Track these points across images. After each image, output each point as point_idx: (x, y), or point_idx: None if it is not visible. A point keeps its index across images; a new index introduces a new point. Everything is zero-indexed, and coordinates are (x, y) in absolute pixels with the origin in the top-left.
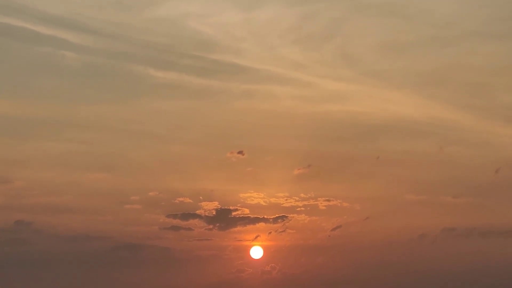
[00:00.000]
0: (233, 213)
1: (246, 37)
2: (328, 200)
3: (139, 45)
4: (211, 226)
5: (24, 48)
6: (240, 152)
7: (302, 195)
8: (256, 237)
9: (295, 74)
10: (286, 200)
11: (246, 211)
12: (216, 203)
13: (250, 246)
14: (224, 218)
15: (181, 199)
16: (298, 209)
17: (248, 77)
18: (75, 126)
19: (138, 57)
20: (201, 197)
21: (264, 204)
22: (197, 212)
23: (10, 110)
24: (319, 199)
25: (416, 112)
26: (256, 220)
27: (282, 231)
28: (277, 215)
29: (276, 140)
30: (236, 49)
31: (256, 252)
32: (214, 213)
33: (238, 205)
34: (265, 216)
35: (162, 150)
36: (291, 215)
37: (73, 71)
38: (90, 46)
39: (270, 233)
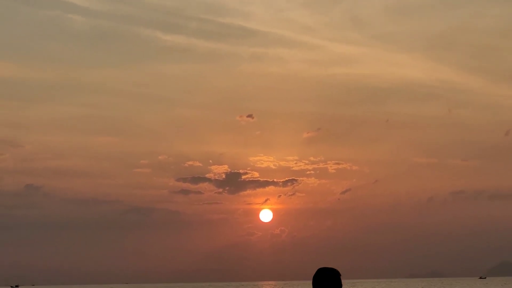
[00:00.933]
0: (243, 177)
1: (254, 0)
2: (338, 163)
3: (147, 8)
4: (220, 190)
5: (31, 12)
6: (250, 116)
7: (311, 158)
8: (266, 200)
9: (303, 37)
10: (296, 163)
11: (256, 174)
12: (226, 166)
13: (260, 210)
14: (234, 182)
15: (190, 162)
16: (308, 172)
17: (257, 40)
18: (83, 90)
19: (146, 20)
20: (210, 161)
21: (273, 167)
22: (207, 175)
23: (18, 73)
24: (328, 162)
25: (424, 74)
26: (265, 184)
27: (291, 195)
28: (286, 179)
29: (285, 103)
30: (244, 12)
31: (266, 215)
32: (223, 176)
33: (248, 168)
34: (275, 180)
35: (171, 113)
36: (301, 178)
37: (80, 35)
38: (97, 10)
39: (279, 196)
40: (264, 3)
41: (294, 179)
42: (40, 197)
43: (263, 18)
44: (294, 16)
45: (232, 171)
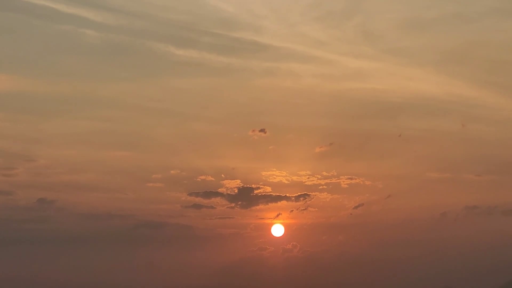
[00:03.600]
0: (255, 191)
1: (266, 15)
2: (350, 178)
3: (159, 23)
4: (233, 204)
5: (45, 26)
6: (262, 130)
7: (324, 173)
8: (278, 215)
9: (316, 51)
10: (308, 178)
11: (268, 189)
12: (238, 181)
13: (272, 224)
14: (246, 196)
15: (203, 177)
16: (320, 187)
17: (269, 55)
18: (97, 104)
19: (159, 35)
20: (223, 175)
21: (286, 182)
22: (219, 190)
23: (32, 88)
24: (341, 177)
25: (438, 89)
26: (278, 198)
27: (303, 209)
28: (299, 193)
29: (298, 118)
30: (257, 26)
31: (278, 230)
32: (236, 191)
33: (260, 183)
34: (287, 194)
35: (183, 128)
36: (313, 193)
37: (94, 49)
38: (110, 24)
39: (291, 211)
40: (276, 17)
41: (306, 194)
42: (52, 211)
43: (276, 32)
44: (307, 31)
45: (245, 185)
